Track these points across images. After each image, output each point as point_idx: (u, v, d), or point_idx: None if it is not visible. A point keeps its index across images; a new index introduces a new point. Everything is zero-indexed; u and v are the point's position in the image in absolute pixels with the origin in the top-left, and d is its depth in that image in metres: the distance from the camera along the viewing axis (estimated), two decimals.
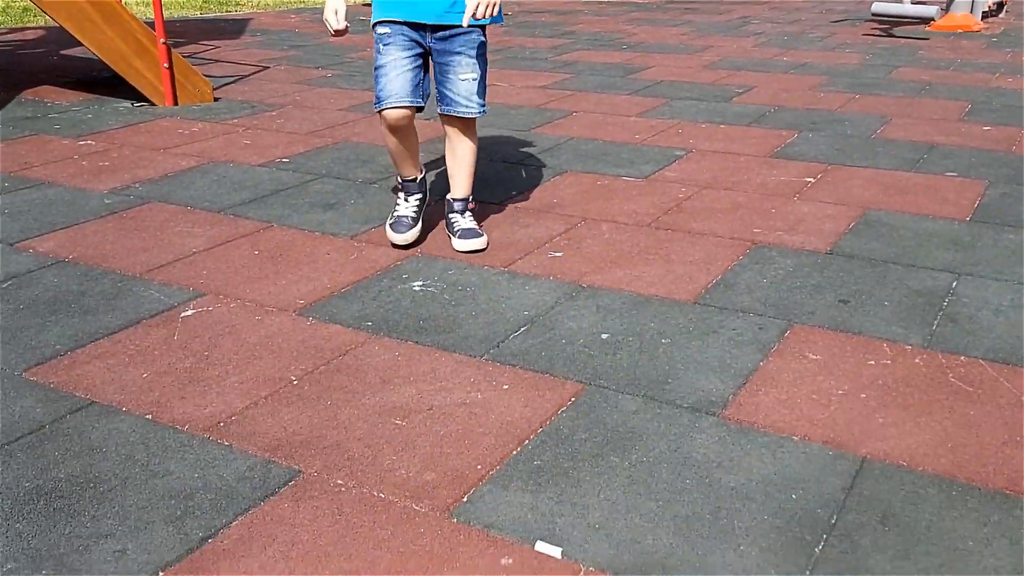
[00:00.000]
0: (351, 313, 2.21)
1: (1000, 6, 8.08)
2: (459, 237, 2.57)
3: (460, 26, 2.35)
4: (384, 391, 1.84)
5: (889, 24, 7.20)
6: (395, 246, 2.61)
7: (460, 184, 2.65)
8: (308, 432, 1.70)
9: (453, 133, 2.58)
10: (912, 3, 6.88)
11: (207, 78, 4.84)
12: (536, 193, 3.15)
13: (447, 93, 2.49)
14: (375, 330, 2.12)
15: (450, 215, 2.67)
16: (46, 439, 1.68)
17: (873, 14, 7.00)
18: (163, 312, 2.23)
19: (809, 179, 3.27)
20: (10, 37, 7.11)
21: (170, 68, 4.57)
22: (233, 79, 5.35)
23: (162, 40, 4.49)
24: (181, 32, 7.23)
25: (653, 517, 1.45)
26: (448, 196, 2.70)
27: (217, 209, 3.00)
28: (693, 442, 1.65)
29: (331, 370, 1.93)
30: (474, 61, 2.47)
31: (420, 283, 2.40)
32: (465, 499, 1.50)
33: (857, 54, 6.13)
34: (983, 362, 1.93)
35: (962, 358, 1.95)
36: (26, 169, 3.47)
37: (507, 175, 3.37)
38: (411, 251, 2.62)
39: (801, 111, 4.37)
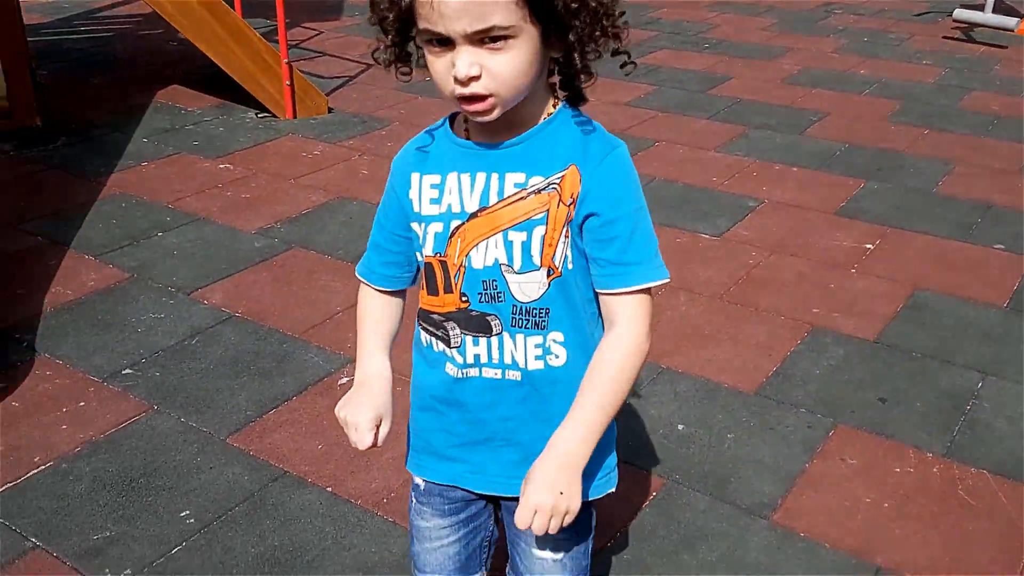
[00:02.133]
0: None
1: None
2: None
3: None
4: None
5: (970, 26, 7.29)
6: None
7: None
8: None
9: None
10: (994, 11, 6.98)
11: (319, 78, 5.32)
12: None
13: (519, 565, 1.51)
14: None
15: None
16: (258, 507, 2.25)
17: (954, 20, 7.11)
18: (324, 379, 2.77)
19: (868, 245, 3.66)
20: (123, 11, 7.65)
21: (291, 85, 5.06)
22: (342, 82, 5.81)
23: (285, 60, 4.98)
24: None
25: None
26: None
27: (351, 258, 3.52)
28: (747, 545, 2.14)
29: None
30: (563, 534, 1.32)
31: None
32: None
33: (934, 67, 6.33)
34: (988, 475, 2.38)
35: (972, 470, 2.39)
36: (180, 200, 4.03)
37: None
38: None
39: (870, 151, 4.69)
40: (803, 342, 2.98)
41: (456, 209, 1.29)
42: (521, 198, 1.26)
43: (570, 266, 1.28)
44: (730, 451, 2.47)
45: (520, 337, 1.31)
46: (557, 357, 1.32)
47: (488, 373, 1.34)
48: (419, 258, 1.36)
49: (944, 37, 7.21)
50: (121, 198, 4.02)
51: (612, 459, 1.45)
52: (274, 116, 5.13)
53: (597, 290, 1.29)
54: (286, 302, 3.20)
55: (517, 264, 1.27)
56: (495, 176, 1.28)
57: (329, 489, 2.32)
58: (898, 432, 2.55)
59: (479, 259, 1.28)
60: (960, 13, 7.03)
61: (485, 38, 1.14)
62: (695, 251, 3.61)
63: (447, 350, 1.35)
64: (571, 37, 1.19)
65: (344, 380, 2.77)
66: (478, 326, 1.31)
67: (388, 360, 1.41)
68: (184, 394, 2.68)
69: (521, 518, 1.21)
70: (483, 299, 1.30)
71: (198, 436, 2.50)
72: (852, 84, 5.90)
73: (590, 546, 1.50)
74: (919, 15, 8.06)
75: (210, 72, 5.54)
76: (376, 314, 1.44)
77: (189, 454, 2.43)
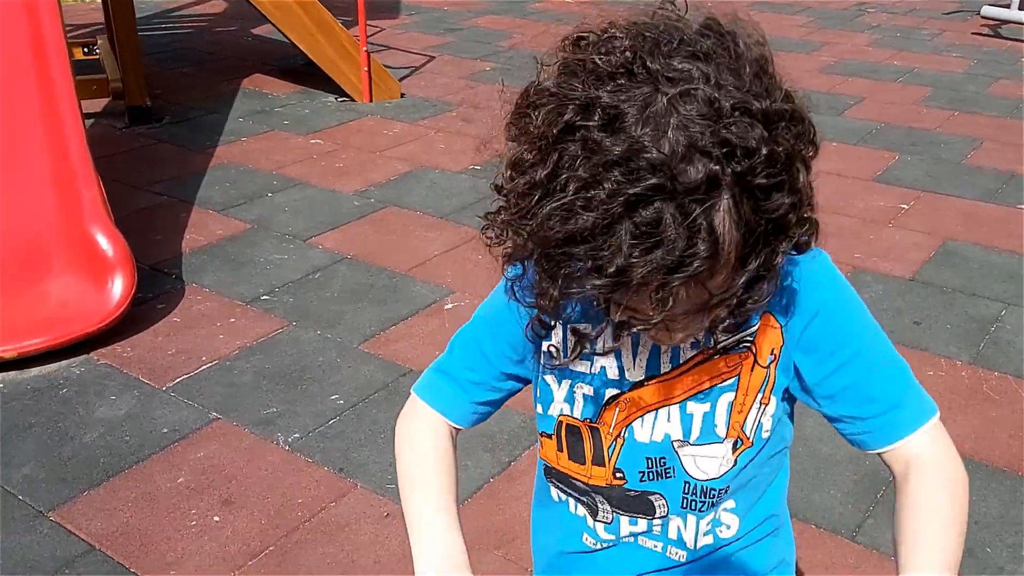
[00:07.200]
0: None
1: None
2: None
3: None
4: None
5: (999, 23, 7.66)
6: None
7: None
8: None
9: None
10: (1020, 8, 7.34)
11: (389, 68, 5.82)
12: None
13: None
14: None
15: None
16: (393, 393, 2.71)
17: (983, 17, 7.49)
18: (431, 304, 3.22)
19: (904, 205, 4.07)
20: (196, 10, 8.18)
21: (369, 71, 5.55)
22: (409, 72, 6.30)
23: (364, 48, 5.47)
24: (344, 8, 8.16)
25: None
26: None
27: (440, 215, 3.97)
28: (805, 423, 2.57)
29: None
30: None
31: None
32: None
33: (963, 59, 6.71)
34: (1010, 377, 2.78)
35: (995, 374, 2.80)
36: (282, 168, 4.51)
37: None
38: None
39: (904, 130, 5.09)
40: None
41: (613, 375, 1.04)
42: (700, 361, 1.01)
43: (764, 435, 1.05)
44: None
45: (692, 519, 1.08)
46: (728, 528, 1.09)
47: (645, 543, 1.12)
48: (541, 410, 1.11)
49: (973, 33, 7.59)
50: (230, 167, 4.51)
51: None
52: (352, 100, 5.62)
53: (864, 450, 1.06)
54: (389, 248, 3.67)
55: (694, 438, 1.03)
56: None
57: None
58: (931, 347, 2.96)
59: (644, 433, 1.04)
60: (988, 10, 7.41)
61: None
62: None
63: (591, 520, 1.12)
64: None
65: (449, 306, 3.22)
66: (639, 507, 1.08)
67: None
68: (317, 315, 3.14)
69: None
70: (646, 478, 1.06)
71: (335, 344, 2.96)
72: (886, 73, 6.30)
73: None
74: (948, 13, 8.43)
75: (286, 63, 6.07)
76: (447, 461, 1.13)
77: (330, 357, 2.89)
